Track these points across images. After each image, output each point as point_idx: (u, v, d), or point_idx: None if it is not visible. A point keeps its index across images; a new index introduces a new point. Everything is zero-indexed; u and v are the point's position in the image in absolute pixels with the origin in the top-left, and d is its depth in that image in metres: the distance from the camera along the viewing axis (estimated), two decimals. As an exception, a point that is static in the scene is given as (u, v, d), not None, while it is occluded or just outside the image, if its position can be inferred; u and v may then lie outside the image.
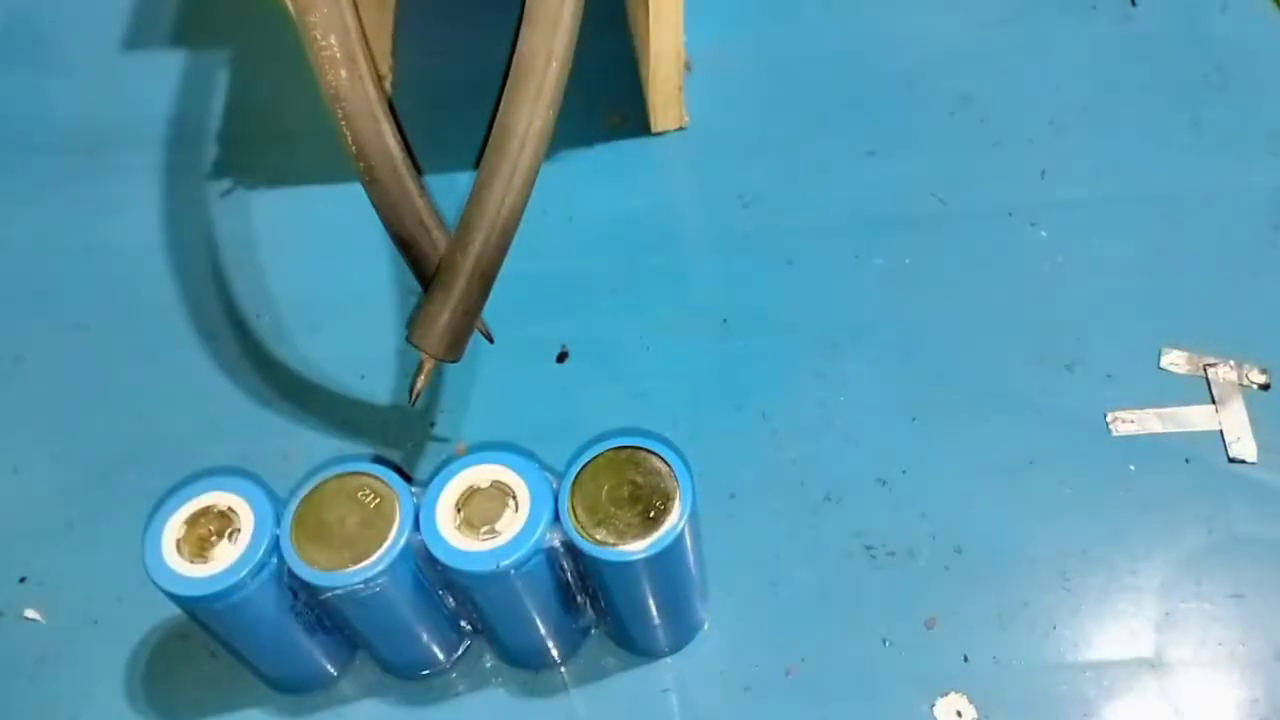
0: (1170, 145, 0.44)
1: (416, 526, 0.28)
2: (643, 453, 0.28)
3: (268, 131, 0.45)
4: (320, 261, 0.41)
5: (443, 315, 0.30)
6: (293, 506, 0.28)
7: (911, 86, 0.45)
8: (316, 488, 0.28)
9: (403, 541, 0.27)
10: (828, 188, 0.43)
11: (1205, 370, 0.38)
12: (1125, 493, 0.36)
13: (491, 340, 0.35)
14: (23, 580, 0.36)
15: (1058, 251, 0.41)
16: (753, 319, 0.40)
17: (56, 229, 0.43)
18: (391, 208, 0.29)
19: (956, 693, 0.33)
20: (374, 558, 0.27)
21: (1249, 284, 0.40)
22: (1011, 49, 0.46)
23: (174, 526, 0.28)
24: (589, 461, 0.28)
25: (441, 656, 0.33)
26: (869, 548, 0.36)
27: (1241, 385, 0.38)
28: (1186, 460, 0.37)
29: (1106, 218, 0.42)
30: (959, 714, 0.33)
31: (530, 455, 0.29)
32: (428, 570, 0.29)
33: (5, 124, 0.46)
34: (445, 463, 0.29)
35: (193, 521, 0.28)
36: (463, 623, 0.33)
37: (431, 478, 0.28)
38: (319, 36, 0.28)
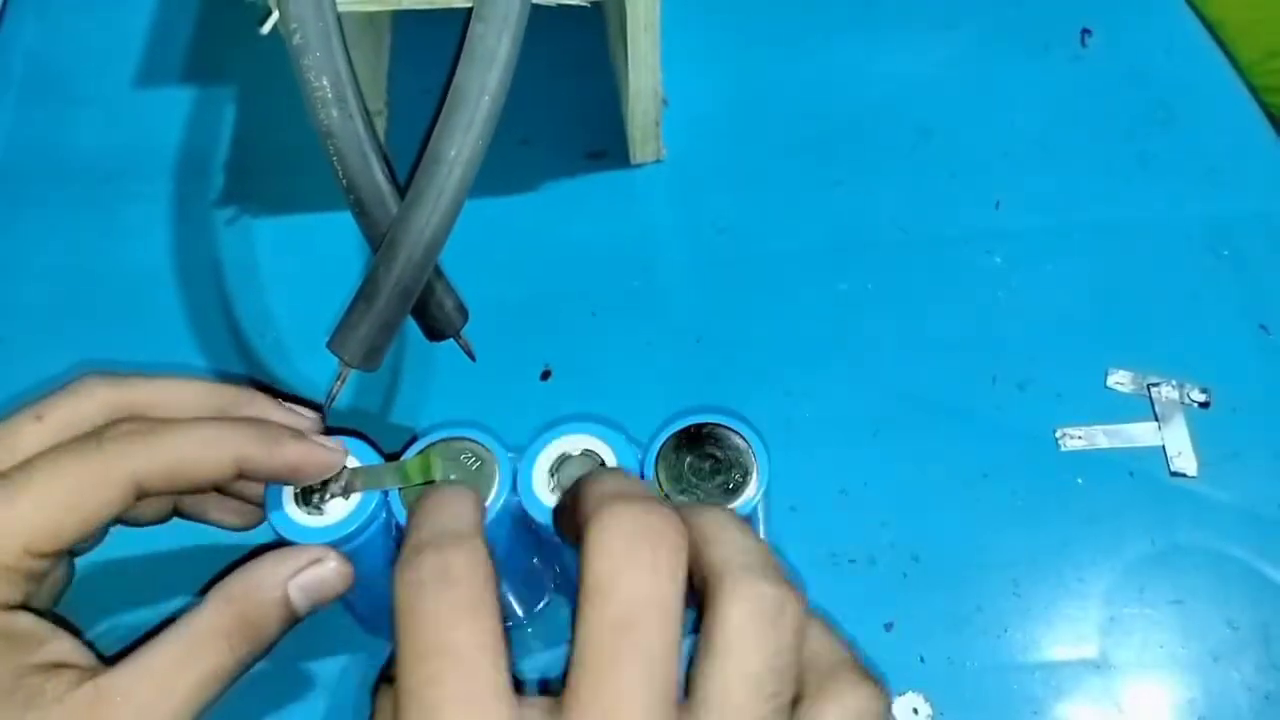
0: (1117, 177, 0.45)
1: (514, 489, 0.30)
2: (722, 429, 0.30)
3: (271, 162, 0.46)
4: (319, 284, 0.42)
5: (361, 327, 0.31)
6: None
7: (875, 122, 0.47)
8: (425, 450, 0.30)
9: (501, 501, 0.29)
10: (796, 216, 0.45)
11: (1149, 389, 0.40)
12: (1073, 504, 0.38)
13: (474, 359, 0.36)
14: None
15: (1011, 277, 0.43)
16: (725, 339, 0.42)
17: (76, 252, 0.45)
18: (380, 238, 0.31)
19: (913, 691, 0.34)
20: None
21: (1190, 308, 0.42)
22: (969, 86, 0.48)
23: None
24: (673, 434, 0.30)
25: (520, 612, 0.35)
26: (831, 555, 0.37)
27: (1183, 403, 0.40)
28: (1130, 474, 0.38)
29: (1057, 245, 0.43)
30: (915, 711, 0.34)
31: (619, 427, 0.31)
32: (521, 530, 0.31)
33: (32, 156, 0.47)
34: (541, 430, 0.30)
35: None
36: (547, 581, 0.35)
37: (528, 445, 0.30)
38: (312, 79, 0.29)
